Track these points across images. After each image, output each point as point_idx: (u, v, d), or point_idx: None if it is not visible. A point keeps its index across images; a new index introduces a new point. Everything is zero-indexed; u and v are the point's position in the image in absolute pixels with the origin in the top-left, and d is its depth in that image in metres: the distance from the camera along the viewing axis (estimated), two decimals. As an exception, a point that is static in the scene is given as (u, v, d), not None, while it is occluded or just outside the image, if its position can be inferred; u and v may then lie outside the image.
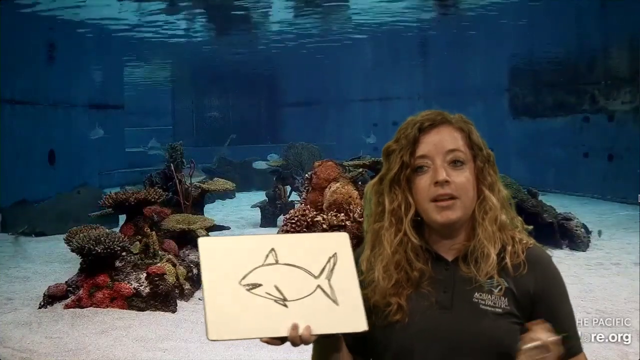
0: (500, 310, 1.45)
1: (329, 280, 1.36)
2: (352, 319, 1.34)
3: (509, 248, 1.49)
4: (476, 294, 1.46)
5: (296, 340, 1.31)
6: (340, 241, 1.41)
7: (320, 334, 1.33)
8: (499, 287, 1.46)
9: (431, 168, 1.48)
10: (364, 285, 1.50)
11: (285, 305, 1.32)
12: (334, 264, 1.38)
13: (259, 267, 1.34)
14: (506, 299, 1.46)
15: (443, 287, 1.49)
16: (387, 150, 1.55)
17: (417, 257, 1.51)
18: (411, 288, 1.50)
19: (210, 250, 1.35)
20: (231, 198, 14.52)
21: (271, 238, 1.40)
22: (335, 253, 1.38)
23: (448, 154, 1.48)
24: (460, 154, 1.49)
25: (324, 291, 1.35)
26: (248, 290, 1.32)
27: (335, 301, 1.34)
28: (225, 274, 1.33)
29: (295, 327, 1.30)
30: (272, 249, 1.37)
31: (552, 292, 1.49)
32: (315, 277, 1.36)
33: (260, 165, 14.68)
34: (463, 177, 1.48)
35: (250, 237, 1.39)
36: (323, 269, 1.37)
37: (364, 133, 19.21)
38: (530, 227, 1.60)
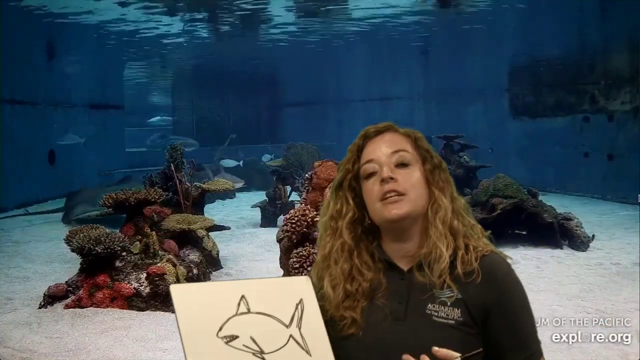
0: (452, 322, 1.44)
1: (299, 328, 1.38)
2: None
3: (460, 254, 1.48)
4: (429, 305, 1.46)
5: None
6: (303, 286, 1.42)
7: None
8: (452, 297, 1.45)
9: (378, 171, 1.50)
10: (320, 298, 1.49)
11: (263, 359, 1.34)
12: (302, 311, 1.39)
13: (233, 316, 1.36)
14: (459, 310, 1.45)
15: (398, 297, 1.49)
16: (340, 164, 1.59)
17: (366, 266, 1.52)
18: (365, 300, 1.50)
19: (184, 298, 1.36)
20: (231, 198, 14.52)
21: (239, 284, 1.41)
22: (302, 299, 1.40)
23: (393, 155, 1.50)
24: (407, 155, 1.51)
25: (296, 341, 1.37)
26: (226, 343, 1.33)
27: (308, 352, 1.36)
28: (202, 325, 1.34)
29: None
30: (243, 296, 1.38)
31: (508, 304, 1.46)
32: (286, 326, 1.38)
33: (229, 163, 14.81)
34: (410, 176, 1.49)
35: (220, 283, 1.44)
36: (292, 317, 1.39)
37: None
38: (489, 231, 1.57)
